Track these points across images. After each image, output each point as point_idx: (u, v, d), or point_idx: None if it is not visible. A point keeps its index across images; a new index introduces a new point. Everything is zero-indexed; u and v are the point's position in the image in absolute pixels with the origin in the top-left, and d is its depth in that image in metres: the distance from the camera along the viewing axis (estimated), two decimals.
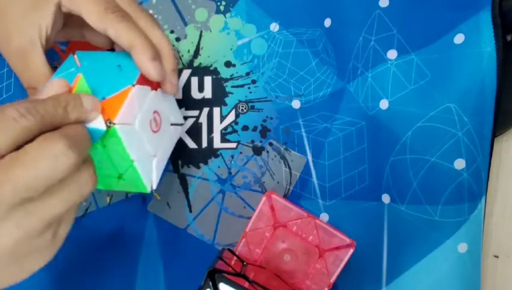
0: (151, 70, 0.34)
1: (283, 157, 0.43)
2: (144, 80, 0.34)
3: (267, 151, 0.43)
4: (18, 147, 0.25)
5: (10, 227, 0.24)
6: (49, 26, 0.35)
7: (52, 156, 0.24)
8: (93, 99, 0.30)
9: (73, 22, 0.37)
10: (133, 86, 0.32)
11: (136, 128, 0.33)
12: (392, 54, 0.41)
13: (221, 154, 0.44)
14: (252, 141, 0.43)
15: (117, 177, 0.34)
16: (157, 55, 0.34)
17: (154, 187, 0.36)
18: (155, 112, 0.35)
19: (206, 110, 0.44)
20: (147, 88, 0.35)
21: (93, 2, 0.34)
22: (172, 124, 0.38)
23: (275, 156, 0.43)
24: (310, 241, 0.39)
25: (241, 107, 0.44)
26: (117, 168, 0.33)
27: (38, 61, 0.35)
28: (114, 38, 0.34)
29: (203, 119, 0.44)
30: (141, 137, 0.33)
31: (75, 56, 0.35)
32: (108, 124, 0.30)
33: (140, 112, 0.33)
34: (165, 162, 0.37)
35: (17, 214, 0.24)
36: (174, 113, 0.39)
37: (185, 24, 0.45)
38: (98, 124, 0.30)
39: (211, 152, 0.44)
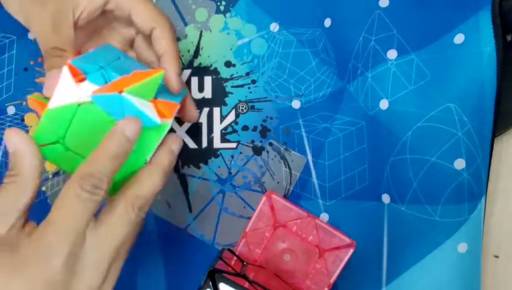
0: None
1: (283, 157, 0.43)
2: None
3: (267, 151, 0.43)
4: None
5: None
6: (86, 10, 0.37)
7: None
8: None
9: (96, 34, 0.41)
10: (179, 103, 0.37)
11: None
12: (392, 54, 0.41)
13: (221, 154, 0.44)
14: (252, 141, 0.43)
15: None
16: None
17: None
18: None
19: (206, 110, 0.44)
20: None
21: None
22: None
23: (275, 156, 0.43)
24: (310, 241, 0.39)
25: (241, 107, 0.44)
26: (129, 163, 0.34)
27: (69, 29, 0.37)
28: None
29: (203, 119, 0.44)
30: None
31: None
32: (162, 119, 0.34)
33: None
34: None
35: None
36: None
37: (185, 24, 0.45)
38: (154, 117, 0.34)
39: (211, 152, 0.44)
